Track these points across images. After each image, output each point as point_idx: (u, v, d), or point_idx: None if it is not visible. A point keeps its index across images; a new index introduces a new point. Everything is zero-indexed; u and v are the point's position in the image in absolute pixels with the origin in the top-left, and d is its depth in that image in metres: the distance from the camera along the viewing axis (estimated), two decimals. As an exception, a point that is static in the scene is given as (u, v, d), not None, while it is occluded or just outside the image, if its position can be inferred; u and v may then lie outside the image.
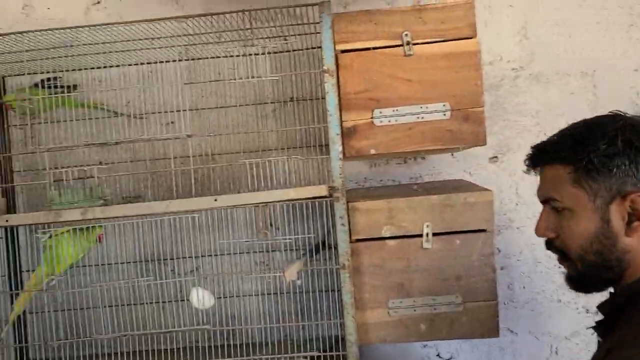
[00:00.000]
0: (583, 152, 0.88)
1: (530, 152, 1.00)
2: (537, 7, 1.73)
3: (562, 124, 1.69)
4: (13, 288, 1.68)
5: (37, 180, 1.68)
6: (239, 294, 1.72)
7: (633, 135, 0.87)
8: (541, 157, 0.97)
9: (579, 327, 1.73)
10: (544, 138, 1.69)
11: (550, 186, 0.95)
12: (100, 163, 1.72)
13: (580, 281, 0.96)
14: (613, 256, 0.89)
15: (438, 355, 1.77)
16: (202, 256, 1.71)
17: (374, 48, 1.39)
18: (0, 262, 1.73)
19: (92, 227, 1.40)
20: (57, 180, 1.37)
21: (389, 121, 1.39)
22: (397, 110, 1.39)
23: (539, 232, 0.99)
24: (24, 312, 1.72)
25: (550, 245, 0.99)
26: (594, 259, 0.90)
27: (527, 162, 1.01)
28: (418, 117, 1.39)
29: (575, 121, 0.98)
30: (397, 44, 1.39)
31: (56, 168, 1.48)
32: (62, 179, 1.37)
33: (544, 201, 0.99)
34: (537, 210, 1.71)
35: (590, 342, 1.73)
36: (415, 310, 1.38)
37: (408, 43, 1.38)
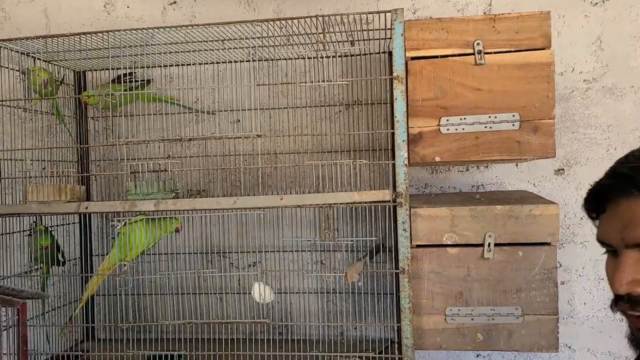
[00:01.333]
0: None
1: (602, 183, 0.78)
2: (613, 18, 1.69)
3: (634, 139, 1.66)
4: (84, 271, 1.78)
5: (112, 170, 1.78)
6: (299, 291, 1.76)
7: None
8: (622, 186, 0.74)
9: None
10: (614, 152, 1.68)
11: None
12: (169, 157, 1.80)
13: None
14: None
15: (491, 365, 1.76)
16: (264, 251, 1.76)
17: (445, 56, 1.40)
18: (74, 246, 1.84)
19: (170, 218, 1.46)
20: (133, 172, 1.44)
21: (456, 129, 1.39)
22: (464, 118, 1.39)
23: (622, 286, 0.72)
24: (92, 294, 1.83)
25: (630, 299, 0.73)
26: None
27: (593, 196, 0.79)
28: (486, 127, 1.38)
29: None
30: (468, 52, 1.39)
31: (132, 160, 1.56)
32: (138, 171, 1.44)
33: (631, 245, 0.73)
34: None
35: (653, 365, 1.67)
36: (472, 320, 1.38)
37: (480, 52, 1.38)
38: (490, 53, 1.39)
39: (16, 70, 1.63)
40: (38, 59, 1.68)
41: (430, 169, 1.79)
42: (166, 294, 1.68)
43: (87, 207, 1.42)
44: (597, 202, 0.77)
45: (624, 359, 1.69)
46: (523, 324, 1.36)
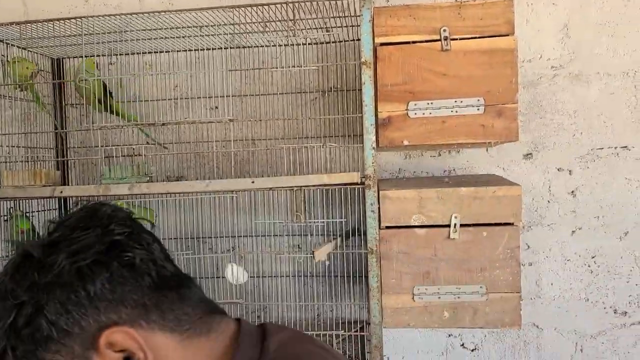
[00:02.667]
0: None
1: None
2: (580, 6, 1.73)
3: (599, 124, 1.71)
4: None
5: (90, 156, 1.80)
6: (275, 275, 1.80)
7: (28, 274, 0.58)
8: None
9: (605, 326, 1.74)
10: (580, 137, 1.73)
11: None
12: (147, 143, 1.83)
13: None
14: None
15: (462, 345, 1.81)
16: (239, 236, 1.79)
17: (413, 42, 1.43)
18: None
19: (145, 209, 1.49)
20: (107, 157, 1.47)
21: (423, 114, 1.43)
22: (431, 103, 1.43)
23: None
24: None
25: None
26: None
27: None
28: (452, 111, 1.42)
29: None
30: (435, 38, 1.43)
31: (107, 146, 1.59)
32: (112, 155, 1.46)
33: None
34: (569, 208, 1.73)
35: (617, 342, 1.73)
36: (439, 298, 1.42)
37: (446, 38, 1.42)
38: (457, 39, 1.42)
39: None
40: (14, 45, 1.69)
41: (404, 155, 1.83)
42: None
43: (62, 192, 1.45)
44: None
45: (588, 337, 1.75)
46: (487, 301, 1.41)
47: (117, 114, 1.62)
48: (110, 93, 1.63)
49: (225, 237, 1.80)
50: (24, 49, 1.74)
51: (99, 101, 1.50)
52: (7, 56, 1.66)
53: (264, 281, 1.80)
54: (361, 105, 1.70)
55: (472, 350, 1.81)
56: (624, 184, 1.72)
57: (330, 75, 1.81)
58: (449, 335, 1.81)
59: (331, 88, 1.81)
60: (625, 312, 1.73)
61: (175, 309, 0.62)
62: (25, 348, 0.56)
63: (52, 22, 1.52)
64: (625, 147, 1.71)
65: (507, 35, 1.40)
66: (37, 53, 1.81)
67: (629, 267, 1.72)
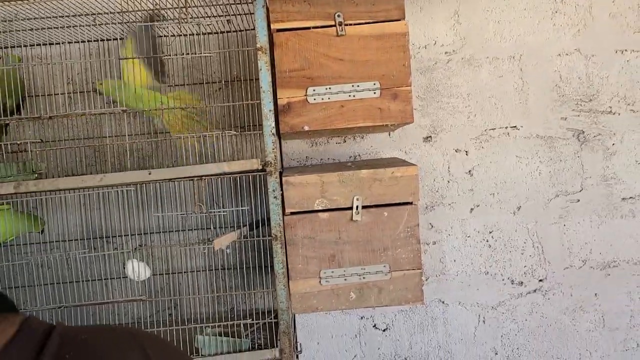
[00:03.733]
0: None
1: None
2: (469, -7, 1.81)
3: (490, 106, 1.80)
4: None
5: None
6: (185, 270, 1.76)
7: None
8: None
9: (504, 297, 1.84)
10: (474, 119, 1.81)
11: None
12: (42, 141, 1.72)
13: None
14: None
15: (374, 326, 1.85)
16: (149, 233, 1.73)
17: (308, 28, 1.44)
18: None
19: (36, 216, 1.41)
20: (-10, 155, 1.36)
21: (322, 99, 1.44)
22: (330, 88, 1.44)
23: None
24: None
25: None
26: None
27: None
28: (350, 95, 1.44)
29: None
30: (330, 24, 1.44)
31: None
32: (-4, 153, 1.37)
33: None
34: (467, 187, 1.82)
35: (515, 311, 1.84)
36: (345, 280, 1.45)
37: (340, 24, 1.44)
38: (351, 25, 1.44)
39: None
40: None
41: (310, 142, 1.84)
42: (40, 284, 1.61)
43: (-62, 194, 1.33)
44: None
45: (490, 308, 1.84)
46: (391, 280, 1.45)
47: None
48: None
49: (133, 235, 1.73)
50: None
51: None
52: None
53: (176, 277, 1.76)
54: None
55: (384, 330, 1.85)
56: (515, 162, 1.82)
57: (233, 64, 1.78)
58: (361, 318, 1.85)
59: (235, 78, 1.79)
60: (522, 282, 1.84)
61: None
62: None
63: None
64: (515, 126, 1.81)
65: (399, 20, 1.44)
66: None
67: (523, 240, 1.83)
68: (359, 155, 1.85)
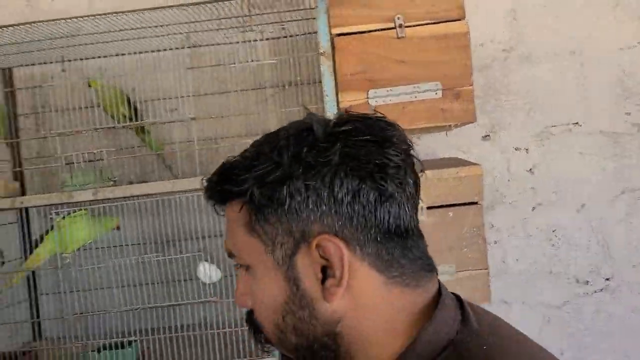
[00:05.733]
0: (246, 181, 0.59)
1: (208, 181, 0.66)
2: (525, -11, 1.79)
3: (551, 102, 1.77)
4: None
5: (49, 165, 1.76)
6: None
7: (301, 145, 0.58)
8: (212, 191, 0.64)
9: (569, 296, 1.81)
10: (534, 115, 1.79)
11: (229, 234, 0.64)
12: (117, 149, 1.78)
13: None
14: (318, 332, 0.60)
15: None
16: (208, 237, 1.76)
17: (369, 31, 1.46)
18: (15, 246, 1.81)
19: (110, 216, 1.47)
20: (68, 164, 1.43)
21: (384, 101, 1.46)
22: (391, 90, 1.45)
23: (236, 301, 0.66)
24: (35, 291, 1.80)
25: (251, 319, 0.66)
26: (295, 341, 0.61)
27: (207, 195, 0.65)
28: (411, 97, 1.45)
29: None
30: (389, 26, 1.45)
31: (67, 153, 1.55)
32: (73, 162, 1.43)
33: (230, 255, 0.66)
34: (528, 185, 1.79)
35: (581, 310, 1.81)
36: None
37: (400, 26, 1.45)
38: (411, 26, 1.45)
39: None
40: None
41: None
42: (111, 287, 1.68)
43: (22, 202, 1.41)
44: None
45: (554, 307, 1.81)
46: (457, 280, 1.45)
47: (141, 133, 1.60)
48: (136, 108, 1.59)
49: (193, 238, 1.76)
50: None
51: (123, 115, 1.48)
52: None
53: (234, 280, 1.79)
54: (321, 96, 1.72)
55: (445, 331, 1.85)
56: (578, 159, 1.79)
57: (286, 69, 1.81)
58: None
59: (289, 82, 1.81)
60: (587, 281, 1.80)
61: (394, 255, 0.60)
62: (261, 198, 0.58)
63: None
64: (577, 123, 1.78)
65: (459, 20, 1.44)
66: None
67: (587, 238, 1.79)
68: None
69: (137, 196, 1.41)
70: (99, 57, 1.78)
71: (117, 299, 1.66)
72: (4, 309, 1.72)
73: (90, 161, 1.44)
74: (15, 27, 1.48)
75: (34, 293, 1.80)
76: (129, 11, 1.45)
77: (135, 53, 1.78)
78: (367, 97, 1.45)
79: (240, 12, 1.51)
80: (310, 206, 0.57)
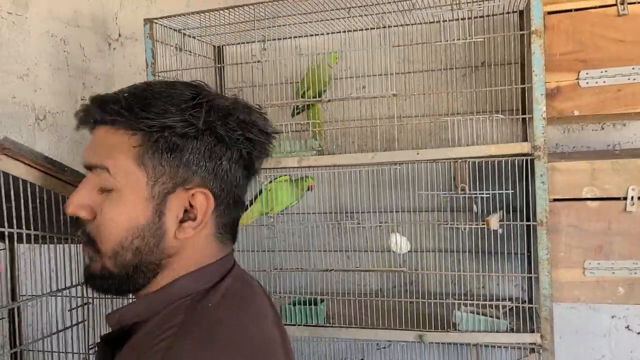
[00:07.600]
0: (159, 124, 0.69)
1: (86, 104, 0.74)
2: None
3: None
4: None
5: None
6: (432, 249, 1.81)
7: (216, 119, 0.71)
8: (100, 113, 0.71)
9: None
10: None
11: (104, 153, 0.71)
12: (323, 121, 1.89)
13: (104, 280, 0.73)
14: (150, 258, 0.71)
15: (627, 327, 1.73)
16: (394, 211, 1.80)
17: (584, 9, 1.39)
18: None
19: (305, 177, 1.59)
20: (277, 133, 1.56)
21: (596, 82, 1.38)
22: (606, 71, 1.37)
23: (69, 207, 0.72)
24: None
25: (79, 226, 0.74)
26: (130, 259, 0.71)
27: (79, 116, 0.74)
28: (629, 79, 1.36)
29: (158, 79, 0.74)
30: (610, 3, 1.37)
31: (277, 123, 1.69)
32: (282, 131, 1.56)
33: (89, 167, 0.74)
34: None
35: None
36: (613, 273, 1.37)
37: (623, 2, 1.35)
38: (635, 3, 1.35)
39: (170, 46, 1.80)
40: (187, 35, 1.85)
41: (562, 128, 1.77)
42: (302, 250, 1.81)
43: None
44: (85, 120, 0.74)
45: None
46: (670, 276, 1.34)
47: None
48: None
49: (385, 212, 1.80)
50: (193, 37, 1.90)
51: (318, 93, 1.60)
52: (183, 44, 1.82)
53: (418, 255, 1.80)
54: (515, 79, 1.67)
55: (639, 333, 1.72)
56: None
57: (479, 51, 1.77)
58: (612, 317, 1.74)
59: (483, 63, 1.78)
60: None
61: (229, 216, 0.76)
62: (166, 143, 0.70)
63: (213, 12, 1.64)
64: None
65: (695, -6, 1.31)
66: (202, 42, 1.96)
67: None
68: (619, 143, 1.72)
69: (340, 165, 1.50)
70: (295, 37, 1.90)
71: (307, 261, 1.79)
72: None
73: (297, 131, 1.56)
74: (225, 10, 1.63)
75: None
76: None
77: (330, 33, 1.86)
78: (578, 78, 1.39)
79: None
80: (201, 163, 0.71)
